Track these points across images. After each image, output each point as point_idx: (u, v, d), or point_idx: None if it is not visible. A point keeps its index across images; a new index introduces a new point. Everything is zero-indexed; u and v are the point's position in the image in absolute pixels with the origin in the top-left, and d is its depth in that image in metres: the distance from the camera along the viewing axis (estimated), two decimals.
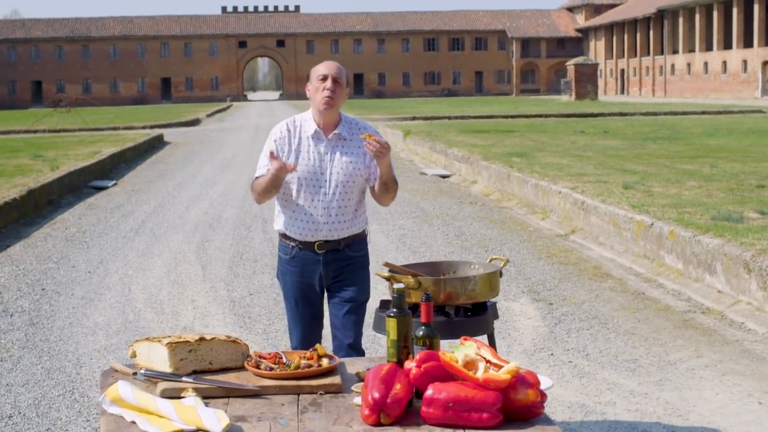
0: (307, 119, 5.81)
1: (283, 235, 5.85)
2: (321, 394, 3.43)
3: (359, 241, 5.85)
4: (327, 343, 5.98)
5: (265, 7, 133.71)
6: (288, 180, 5.68)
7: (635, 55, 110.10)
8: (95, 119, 57.97)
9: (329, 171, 5.67)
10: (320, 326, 5.93)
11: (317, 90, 5.68)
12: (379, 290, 10.61)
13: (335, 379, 3.49)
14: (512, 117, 50.68)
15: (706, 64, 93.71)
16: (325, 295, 5.88)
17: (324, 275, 5.74)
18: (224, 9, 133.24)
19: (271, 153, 5.54)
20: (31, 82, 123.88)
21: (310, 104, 5.82)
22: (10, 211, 16.53)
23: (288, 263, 5.83)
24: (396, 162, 27.81)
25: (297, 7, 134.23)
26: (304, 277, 5.75)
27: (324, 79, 5.66)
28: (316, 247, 5.70)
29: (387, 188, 5.65)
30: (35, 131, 47.74)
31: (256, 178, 5.76)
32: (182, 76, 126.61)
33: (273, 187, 5.64)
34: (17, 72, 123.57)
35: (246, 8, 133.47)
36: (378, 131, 5.68)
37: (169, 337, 3.60)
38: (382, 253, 12.51)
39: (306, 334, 5.80)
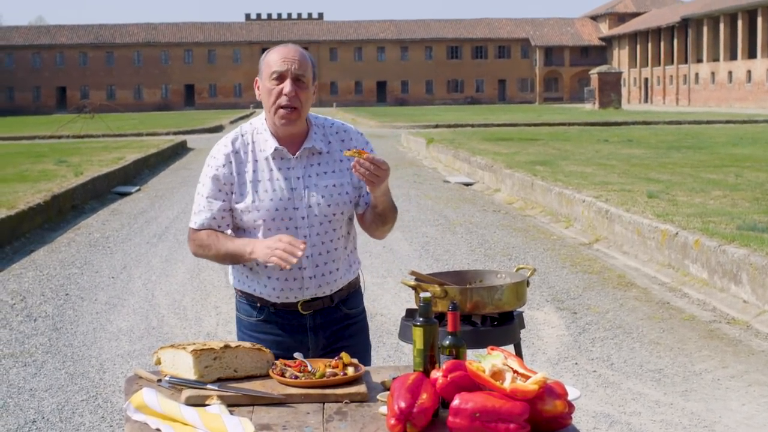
0: (260, 131, 4.06)
1: (244, 293, 4.23)
2: (346, 402, 3.41)
3: (354, 293, 4.25)
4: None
5: (289, 15, 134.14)
6: (244, 222, 4.03)
7: (659, 64, 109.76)
8: (119, 125, 58.25)
9: (305, 203, 3.99)
10: None
11: (270, 94, 3.96)
12: (403, 298, 10.62)
13: (361, 388, 3.46)
14: (535, 125, 50.60)
15: (730, 73, 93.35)
16: None
17: (312, 345, 4.11)
18: (248, 16, 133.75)
19: (291, 244, 3.76)
20: (55, 88, 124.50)
21: (263, 108, 4.09)
22: (34, 216, 16.60)
23: (254, 329, 4.17)
24: (419, 169, 27.81)
25: (320, 15, 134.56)
26: (280, 350, 3.97)
27: (279, 78, 3.94)
28: (300, 308, 4.09)
29: (384, 219, 4.07)
30: (59, 137, 48.05)
31: (196, 229, 4.08)
32: (206, 83, 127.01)
33: (234, 263, 4.09)
34: (42, 78, 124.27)
35: (269, 15, 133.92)
36: (364, 136, 4.21)
37: (194, 344, 3.58)
38: (405, 261, 12.49)
39: None
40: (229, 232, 4.08)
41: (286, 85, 3.91)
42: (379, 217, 4.04)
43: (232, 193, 4.01)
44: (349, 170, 4.04)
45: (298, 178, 4.00)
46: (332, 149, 4.07)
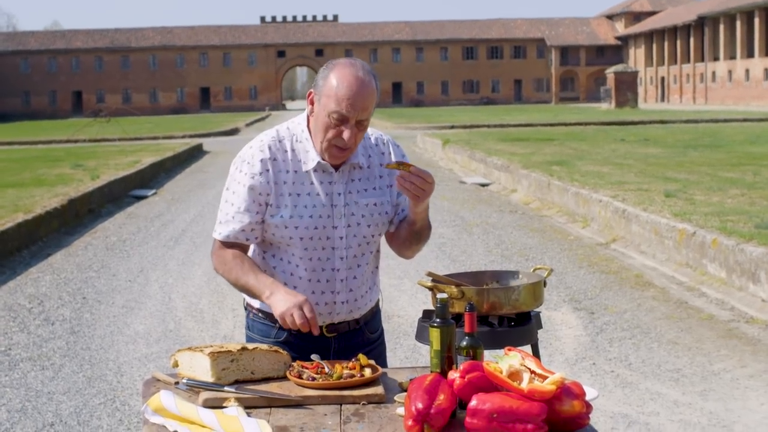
0: (300, 139, 3.72)
1: (263, 312, 3.90)
2: (363, 404, 3.40)
3: (376, 314, 4.03)
4: None
5: (304, 17, 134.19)
6: (276, 238, 3.72)
7: (675, 63, 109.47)
8: (135, 129, 58.38)
9: (344, 222, 3.71)
10: None
11: (326, 127, 3.57)
12: (420, 299, 10.61)
13: (378, 389, 3.45)
14: (552, 125, 50.50)
15: (747, 71, 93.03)
16: None
17: None
18: (263, 19, 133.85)
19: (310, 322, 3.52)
20: (71, 93, 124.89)
21: (309, 118, 3.72)
22: (51, 220, 16.64)
23: None
24: (435, 170, 27.79)
25: (335, 17, 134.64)
26: None
27: (341, 120, 3.55)
28: (324, 331, 3.82)
29: (420, 237, 3.81)
30: (76, 141, 48.18)
31: (222, 242, 3.89)
32: (221, 86, 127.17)
33: (248, 295, 3.82)
34: (58, 82, 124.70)
35: (285, 18, 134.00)
36: (401, 148, 3.91)
37: (211, 346, 3.58)
38: (422, 262, 12.46)
39: None
40: (252, 248, 3.85)
41: (346, 132, 3.55)
42: (416, 235, 3.78)
43: (267, 204, 3.68)
44: (389, 187, 3.77)
45: (340, 194, 3.69)
46: (372, 164, 3.77)
